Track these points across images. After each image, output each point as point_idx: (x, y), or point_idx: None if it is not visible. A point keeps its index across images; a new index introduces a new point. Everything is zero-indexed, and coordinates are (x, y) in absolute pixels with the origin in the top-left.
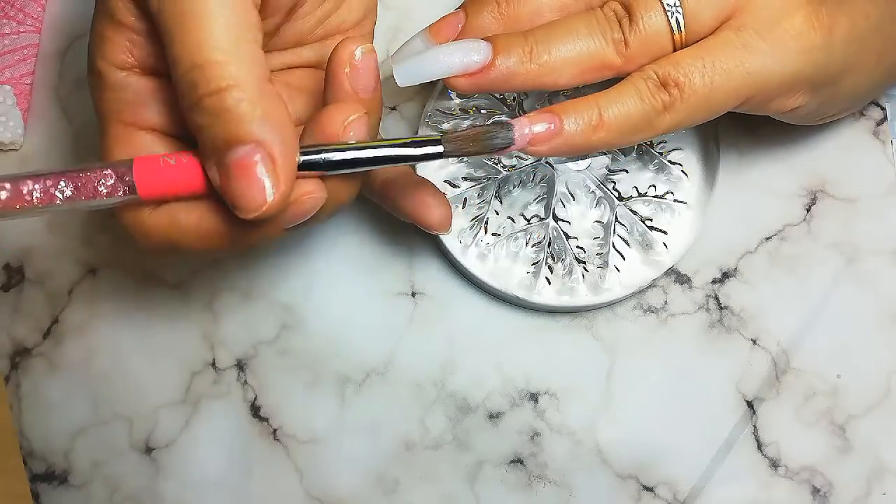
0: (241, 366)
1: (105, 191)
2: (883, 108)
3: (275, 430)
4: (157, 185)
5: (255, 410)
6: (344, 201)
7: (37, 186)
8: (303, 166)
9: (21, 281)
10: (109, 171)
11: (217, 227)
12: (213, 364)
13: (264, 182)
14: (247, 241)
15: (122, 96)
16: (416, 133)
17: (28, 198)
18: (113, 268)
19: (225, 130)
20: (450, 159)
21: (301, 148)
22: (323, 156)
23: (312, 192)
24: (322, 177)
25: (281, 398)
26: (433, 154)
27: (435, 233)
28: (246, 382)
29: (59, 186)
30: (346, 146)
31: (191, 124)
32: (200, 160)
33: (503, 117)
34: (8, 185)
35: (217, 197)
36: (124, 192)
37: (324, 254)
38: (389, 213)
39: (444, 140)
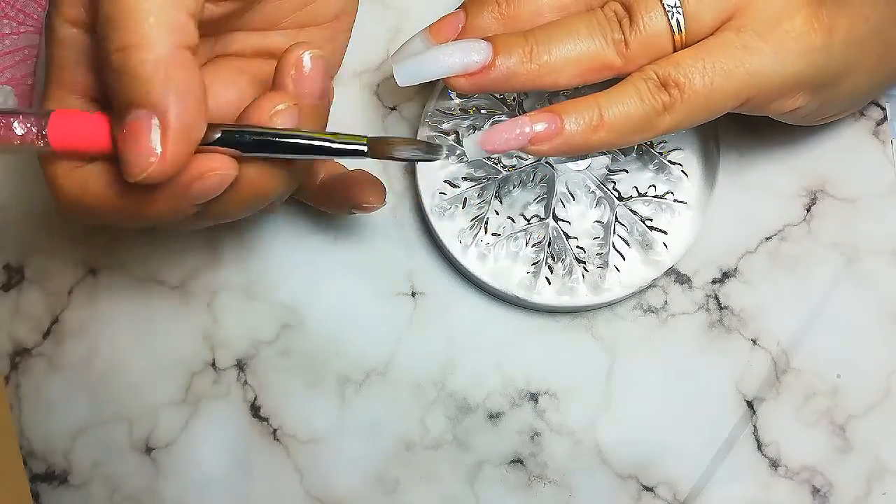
0: (241, 366)
1: (20, 132)
2: (883, 108)
3: (275, 430)
4: (70, 138)
5: (255, 410)
6: (270, 191)
7: None
8: (218, 142)
9: (21, 281)
10: (29, 115)
11: (121, 198)
12: (213, 364)
13: (153, 148)
14: (149, 213)
15: (69, 55)
16: (417, 134)
17: None
18: (113, 268)
19: (127, 91)
20: (449, 159)
21: (220, 125)
22: (238, 134)
23: (219, 168)
24: (238, 157)
25: (281, 398)
26: (355, 151)
27: (372, 206)
28: (246, 382)
29: None
30: (266, 129)
31: (104, 83)
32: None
33: (503, 118)
34: None
35: None
36: (38, 139)
37: (324, 254)
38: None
39: (369, 142)
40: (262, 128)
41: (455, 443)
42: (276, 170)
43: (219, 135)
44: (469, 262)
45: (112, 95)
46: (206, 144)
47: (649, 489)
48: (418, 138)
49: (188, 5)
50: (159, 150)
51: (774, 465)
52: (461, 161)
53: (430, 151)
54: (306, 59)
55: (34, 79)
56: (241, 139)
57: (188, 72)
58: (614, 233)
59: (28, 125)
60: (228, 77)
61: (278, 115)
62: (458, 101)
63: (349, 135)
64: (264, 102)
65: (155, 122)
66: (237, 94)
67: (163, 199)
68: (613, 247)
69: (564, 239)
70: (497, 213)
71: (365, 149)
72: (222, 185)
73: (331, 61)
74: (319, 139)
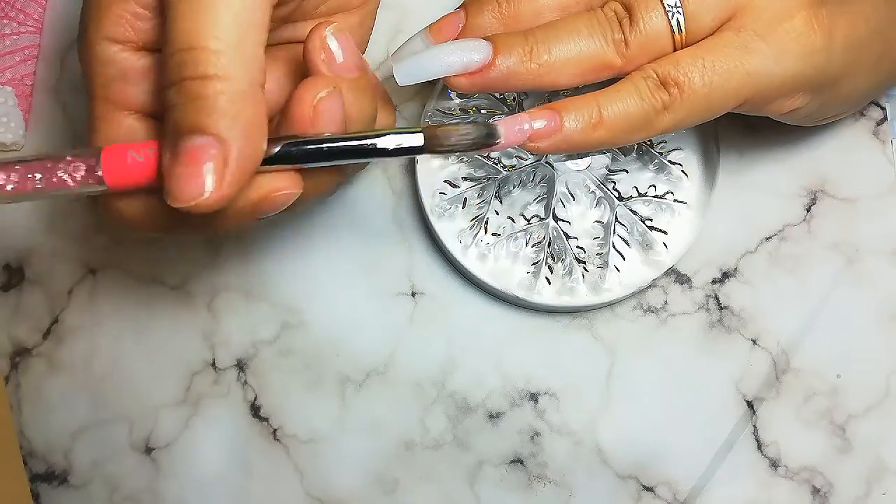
0: (241, 366)
1: (73, 182)
2: (883, 108)
3: (275, 430)
4: (126, 174)
5: (255, 410)
6: (327, 190)
7: (12, 176)
8: (277, 158)
9: (21, 281)
10: (80, 162)
11: (186, 216)
12: (213, 364)
13: (206, 178)
14: (214, 229)
15: (112, 72)
16: None
17: (3, 187)
18: (113, 268)
19: (193, 116)
20: (449, 159)
21: (279, 139)
22: (295, 147)
23: (285, 188)
24: (299, 170)
25: (281, 398)
26: (412, 148)
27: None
28: (246, 382)
29: (31, 176)
30: (321, 137)
31: (165, 102)
32: (160, 145)
33: (503, 117)
34: None
35: None
36: (94, 181)
37: (324, 253)
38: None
39: (425, 134)
40: (315, 137)
41: (455, 443)
42: (336, 170)
43: (278, 149)
44: (469, 262)
45: (172, 115)
46: (267, 161)
47: (649, 489)
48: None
49: (262, 40)
50: (210, 182)
51: (774, 465)
52: (461, 160)
53: (488, 133)
54: (331, 38)
55: (34, 79)
56: (299, 153)
57: (259, 112)
58: (614, 233)
59: (82, 173)
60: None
61: (322, 102)
62: (457, 100)
63: (401, 129)
64: (305, 94)
65: (212, 151)
66: (276, 84)
67: (229, 217)
68: (613, 247)
69: (564, 239)
70: (497, 213)
71: (422, 143)
72: (289, 202)
73: (360, 45)
74: (373, 136)
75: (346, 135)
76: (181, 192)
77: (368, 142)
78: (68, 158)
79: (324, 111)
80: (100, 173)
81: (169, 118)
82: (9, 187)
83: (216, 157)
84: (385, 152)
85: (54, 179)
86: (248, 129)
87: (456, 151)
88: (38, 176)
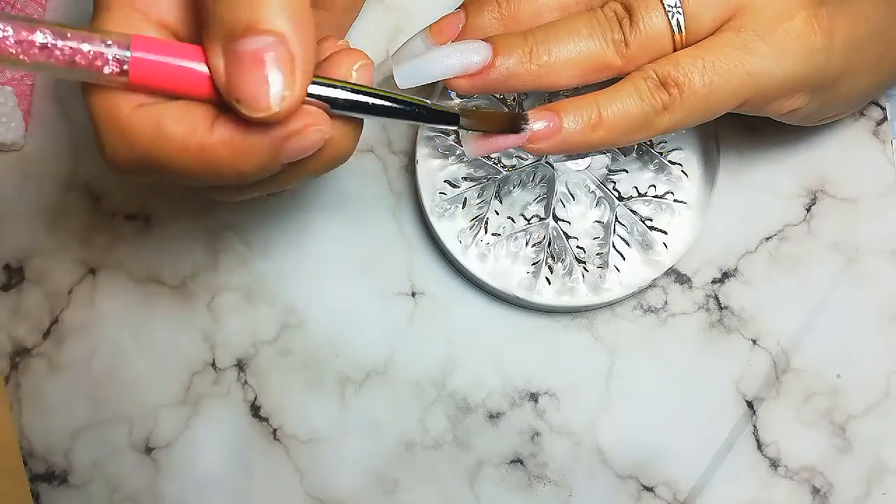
0: (241, 366)
1: (90, 57)
2: (883, 108)
3: (275, 430)
4: (157, 72)
5: (255, 410)
6: (343, 153)
7: (10, 30)
8: (315, 95)
9: (21, 281)
10: (100, 37)
11: (208, 147)
12: (213, 364)
13: (278, 80)
14: (237, 171)
15: None
16: (417, 134)
17: (4, 42)
18: (113, 268)
19: (247, 13)
20: (449, 159)
21: (315, 76)
22: (339, 91)
23: (319, 123)
24: (328, 114)
25: (281, 398)
26: (449, 120)
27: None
28: (246, 382)
29: (40, 35)
30: (364, 87)
31: (205, 4)
32: (204, 50)
33: None
34: None
35: (218, 110)
36: (113, 68)
37: (324, 254)
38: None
39: (461, 114)
40: (359, 85)
41: (455, 443)
42: (356, 131)
43: (316, 88)
44: (469, 262)
45: (218, 14)
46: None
47: (649, 489)
48: (511, 111)
49: None
50: (282, 85)
51: (774, 465)
52: (461, 161)
53: (516, 123)
54: (354, 74)
55: (34, 79)
56: (337, 95)
57: (309, 7)
58: (614, 233)
59: (101, 48)
60: None
61: (360, 71)
62: (458, 101)
63: (441, 106)
64: (344, 58)
65: (277, 52)
66: None
67: (254, 152)
68: (613, 247)
69: (564, 239)
70: (497, 213)
71: (459, 119)
72: (319, 144)
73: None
74: (416, 105)
75: (388, 92)
76: (258, 100)
77: (412, 109)
78: (90, 33)
79: (358, 79)
80: (124, 54)
81: (215, 19)
82: (9, 42)
83: (283, 57)
84: (418, 116)
85: (66, 49)
86: (306, 28)
87: (485, 132)
88: (47, 38)
